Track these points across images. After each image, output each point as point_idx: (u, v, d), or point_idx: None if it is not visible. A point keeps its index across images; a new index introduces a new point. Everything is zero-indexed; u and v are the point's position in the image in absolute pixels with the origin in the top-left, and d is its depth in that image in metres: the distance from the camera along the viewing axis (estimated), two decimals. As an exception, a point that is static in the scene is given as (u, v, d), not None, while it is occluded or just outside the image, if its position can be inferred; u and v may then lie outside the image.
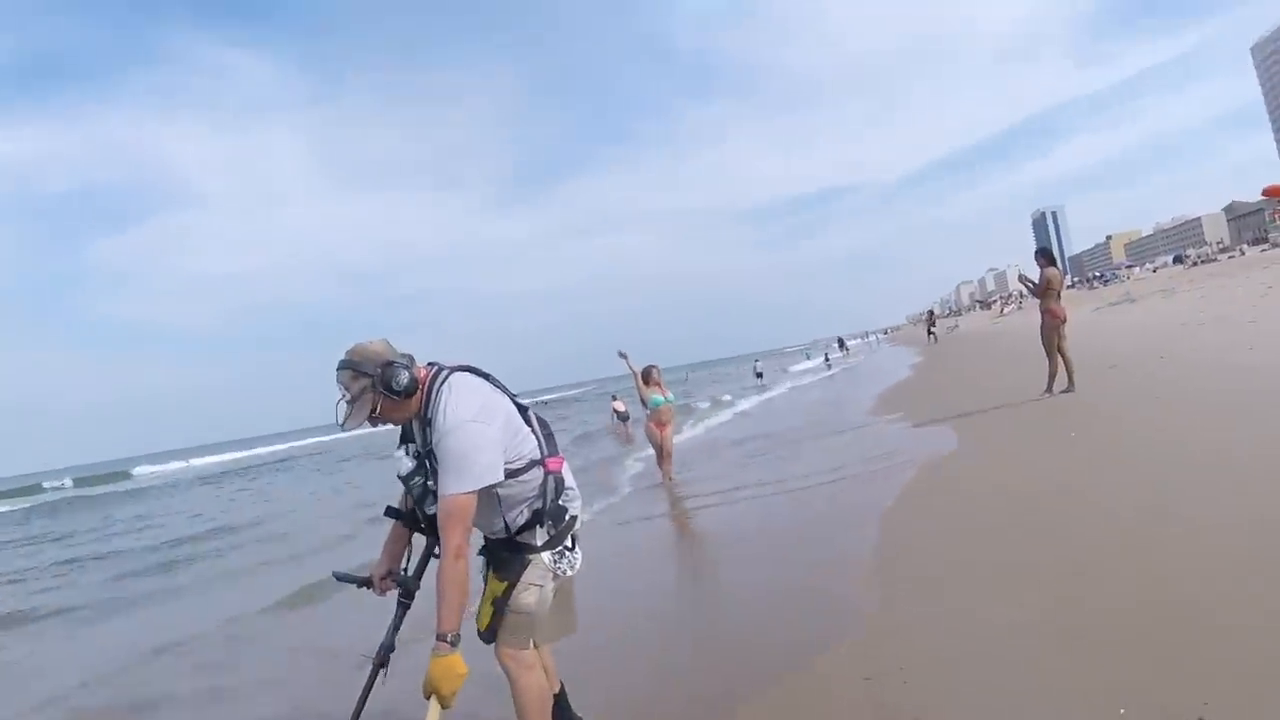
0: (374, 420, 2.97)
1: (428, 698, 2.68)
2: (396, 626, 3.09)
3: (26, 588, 12.23)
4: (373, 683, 3.05)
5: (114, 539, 17.73)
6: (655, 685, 4.03)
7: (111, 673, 6.32)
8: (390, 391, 2.90)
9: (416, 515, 3.16)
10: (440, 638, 2.67)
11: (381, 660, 3.05)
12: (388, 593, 3.19)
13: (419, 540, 3.22)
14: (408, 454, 3.04)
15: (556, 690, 3.36)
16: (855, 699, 3.42)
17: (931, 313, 56.09)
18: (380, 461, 24.64)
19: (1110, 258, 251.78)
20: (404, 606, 3.11)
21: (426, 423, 2.97)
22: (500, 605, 3.07)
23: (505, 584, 3.07)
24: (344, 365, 2.94)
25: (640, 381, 11.91)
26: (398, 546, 3.25)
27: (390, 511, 3.26)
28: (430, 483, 2.99)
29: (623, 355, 11.84)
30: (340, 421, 2.93)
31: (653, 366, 12.09)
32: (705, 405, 28.29)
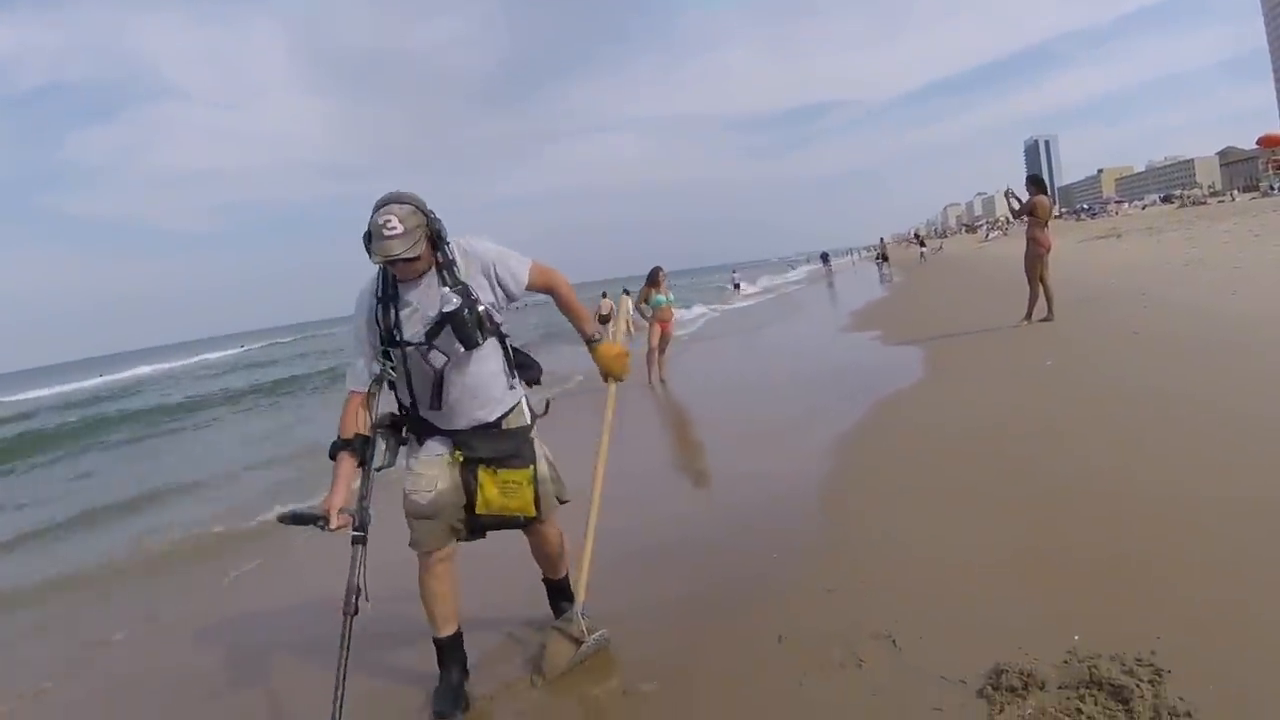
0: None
1: (606, 380, 3.50)
2: (358, 566, 2.95)
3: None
4: (349, 634, 2.89)
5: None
6: (625, 590, 4.06)
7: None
8: (436, 237, 3.02)
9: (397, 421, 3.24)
10: (590, 338, 3.41)
11: (353, 608, 2.91)
12: (340, 530, 2.97)
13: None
14: (453, 294, 3.03)
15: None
16: (817, 609, 3.50)
17: (918, 233, 55.95)
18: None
19: (1100, 191, 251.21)
20: (360, 541, 2.98)
21: (449, 266, 3.07)
22: (536, 485, 3.30)
23: (530, 469, 3.28)
24: (403, 200, 2.96)
25: (645, 287, 12.53)
26: (350, 479, 3.09)
27: (333, 445, 3.12)
28: (481, 309, 3.07)
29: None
30: (398, 252, 2.88)
31: (658, 268, 12.60)
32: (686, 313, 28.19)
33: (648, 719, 2.96)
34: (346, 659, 2.84)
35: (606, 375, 3.51)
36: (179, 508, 9.00)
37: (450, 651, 3.37)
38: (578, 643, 3.41)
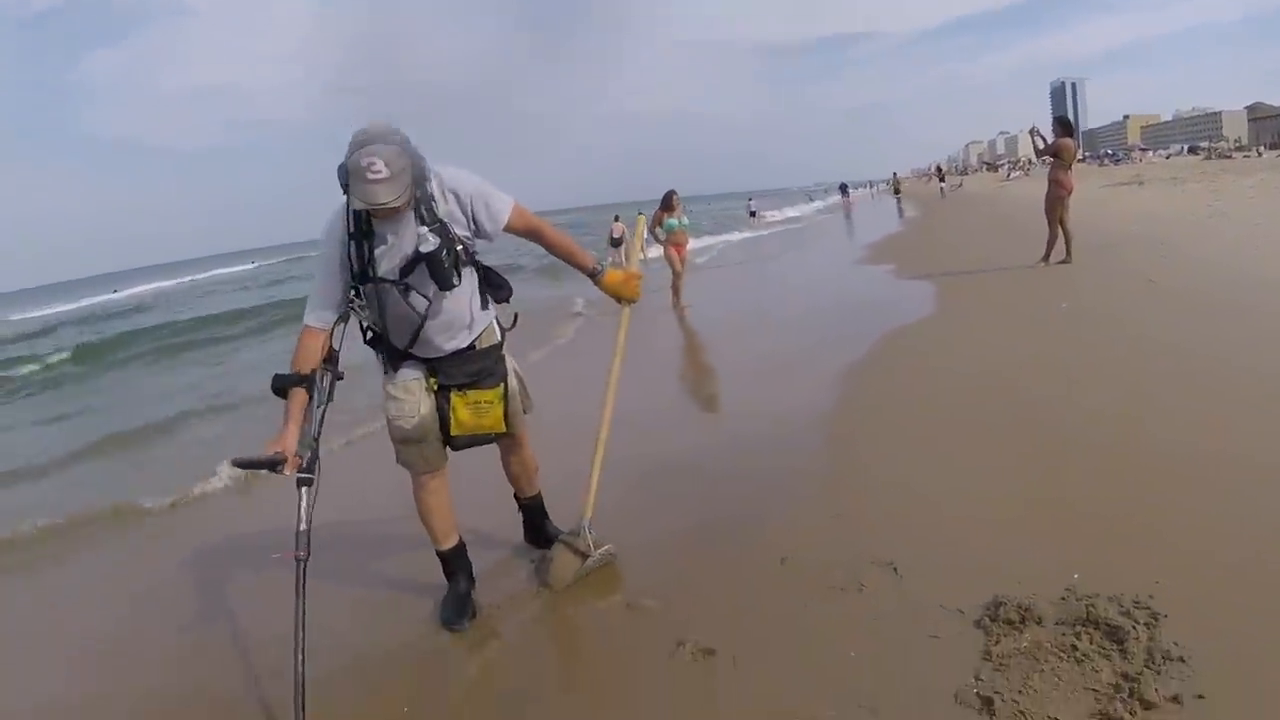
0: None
1: (619, 301, 3.46)
2: (307, 508, 2.84)
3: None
4: (304, 579, 2.78)
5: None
6: (631, 511, 4.11)
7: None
8: (418, 180, 2.87)
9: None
10: (591, 271, 3.37)
11: (304, 552, 2.81)
12: (289, 473, 2.86)
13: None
14: (430, 233, 2.91)
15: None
16: (821, 535, 3.58)
17: (939, 168, 55.30)
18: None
19: (1125, 138, 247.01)
20: (307, 483, 2.87)
21: (427, 202, 2.94)
22: (507, 401, 3.30)
23: (500, 386, 3.27)
24: (389, 139, 2.78)
25: (658, 211, 12.33)
26: (301, 417, 2.94)
27: (285, 380, 2.96)
28: (459, 248, 3.00)
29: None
30: (383, 200, 2.74)
31: (672, 192, 12.40)
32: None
33: (649, 633, 3.02)
34: (304, 604, 2.75)
35: (619, 300, 3.48)
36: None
37: (455, 562, 3.44)
38: (584, 556, 3.48)
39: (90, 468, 7.69)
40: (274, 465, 2.81)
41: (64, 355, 20.49)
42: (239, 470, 2.79)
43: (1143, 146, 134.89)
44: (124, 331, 24.35)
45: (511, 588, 3.57)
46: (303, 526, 2.81)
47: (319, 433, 2.96)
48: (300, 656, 2.68)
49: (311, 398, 2.96)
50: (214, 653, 3.46)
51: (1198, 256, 9.99)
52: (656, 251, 13.14)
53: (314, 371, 2.98)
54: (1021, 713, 2.24)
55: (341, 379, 3.12)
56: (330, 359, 3.08)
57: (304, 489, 2.86)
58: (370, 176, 2.71)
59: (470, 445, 3.33)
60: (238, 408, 9.51)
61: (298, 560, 2.78)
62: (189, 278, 68.76)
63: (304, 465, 2.86)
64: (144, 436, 8.70)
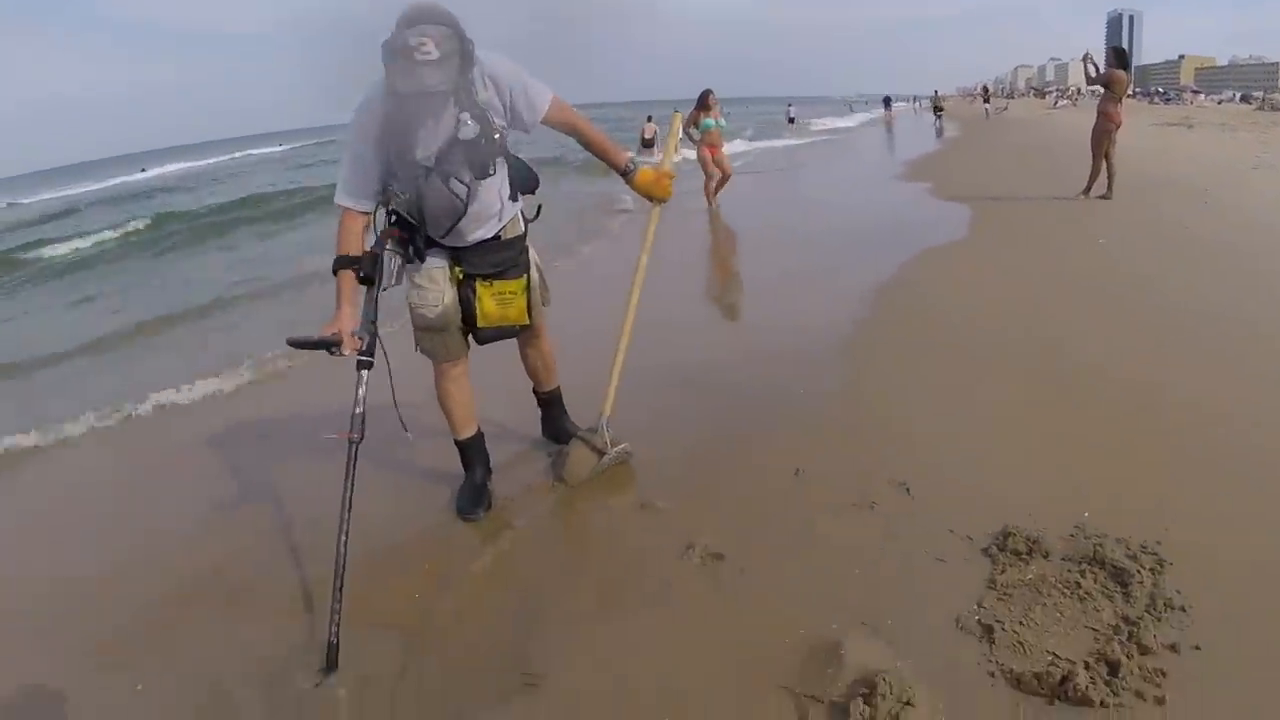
0: None
1: (650, 200, 3.42)
2: (364, 392, 2.85)
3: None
4: (355, 461, 2.79)
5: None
6: (649, 414, 4.13)
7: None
8: (465, 63, 2.77)
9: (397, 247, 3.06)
10: (624, 170, 3.33)
11: (358, 434, 2.81)
12: (349, 353, 2.84)
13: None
14: (471, 119, 2.87)
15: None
16: (836, 450, 3.62)
17: (986, 89, 53.86)
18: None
19: (1178, 79, 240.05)
20: (368, 365, 2.87)
21: (468, 88, 2.85)
22: (529, 292, 3.32)
23: (524, 278, 3.27)
24: (439, 19, 2.67)
25: (694, 111, 11.95)
26: (355, 298, 2.93)
27: (339, 263, 2.93)
28: (496, 137, 2.94)
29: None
30: (431, 83, 2.65)
31: (709, 91, 12.14)
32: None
33: (660, 534, 3.08)
34: (353, 486, 2.77)
35: (650, 199, 3.43)
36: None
37: (472, 452, 3.49)
38: (600, 453, 3.54)
39: (122, 355, 7.69)
40: (328, 346, 2.80)
41: (113, 235, 20.18)
42: (289, 351, 2.76)
43: (1195, 89, 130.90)
44: (161, 213, 23.61)
45: (527, 481, 3.64)
46: (359, 410, 2.82)
47: (376, 315, 2.95)
48: (344, 537, 2.72)
49: (368, 280, 2.94)
50: (237, 533, 3.57)
51: (1239, 208, 9.74)
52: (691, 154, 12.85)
53: (363, 253, 2.95)
54: (1021, 643, 2.29)
55: (412, 263, 3.14)
56: (399, 241, 3.06)
57: (363, 371, 2.86)
58: (420, 58, 2.61)
59: (495, 338, 3.34)
60: (276, 293, 9.54)
61: (351, 442, 2.79)
62: (214, 159, 67.88)
63: (364, 348, 2.86)
64: (181, 321, 8.74)
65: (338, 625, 2.61)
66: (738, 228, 11.12)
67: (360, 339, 2.85)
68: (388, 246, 3.01)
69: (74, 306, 11.53)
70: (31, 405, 6.13)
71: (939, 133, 30.39)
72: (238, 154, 74.00)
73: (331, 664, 2.58)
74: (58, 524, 4.08)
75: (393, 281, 3.04)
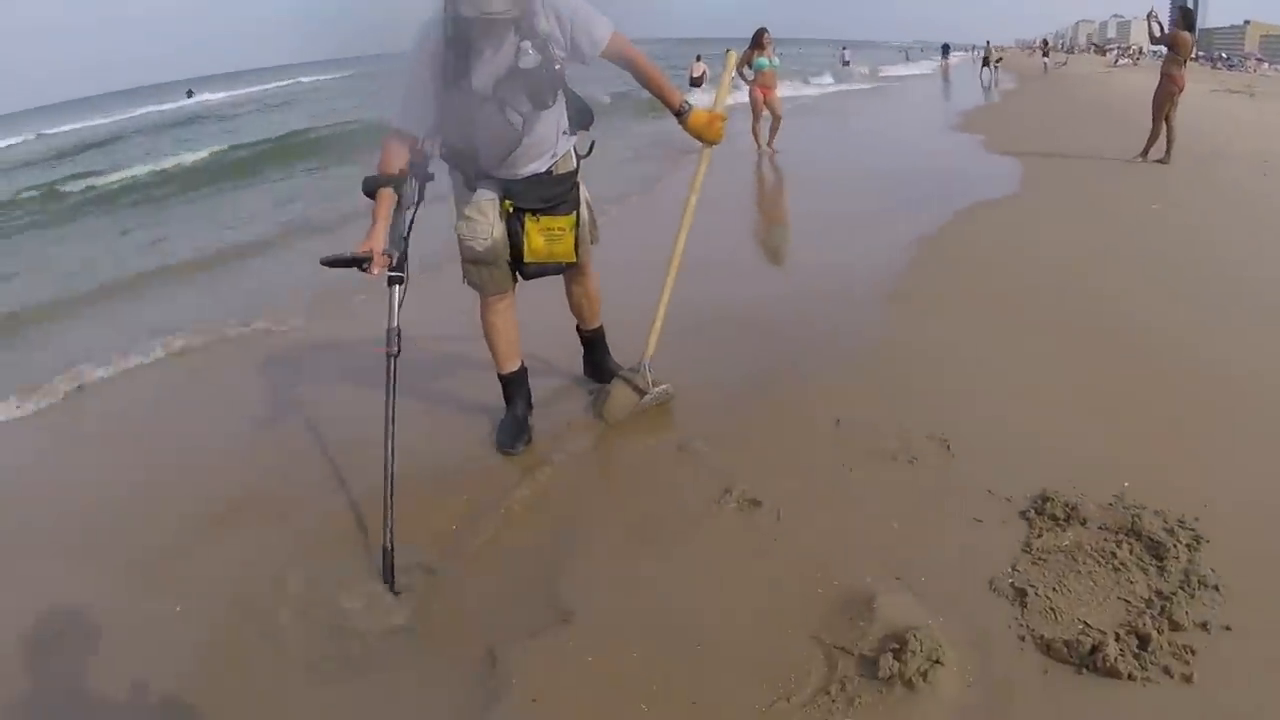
0: None
1: (700, 141, 3.34)
2: (398, 306, 2.90)
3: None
4: (394, 375, 2.86)
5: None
6: (690, 357, 4.12)
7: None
8: None
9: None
10: (679, 110, 3.27)
11: (395, 348, 2.88)
12: (378, 272, 2.85)
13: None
14: (532, 49, 2.85)
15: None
16: (877, 401, 3.61)
17: (1046, 42, 52.31)
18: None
19: (1243, 45, 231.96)
20: (398, 281, 2.90)
21: (530, 15, 2.84)
22: (578, 230, 3.30)
23: (573, 215, 3.26)
24: None
25: (748, 50, 11.61)
26: (389, 218, 2.95)
27: (375, 182, 2.94)
28: (556, 67, 2.93)
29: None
30: (498, 9, 2.67)
31: (763, 30, 11.81)
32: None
33: (698, 476, 3.11)
34: (394, 400, 2.84)
35: (701, 140, 3.37)
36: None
37: (515, 386, 3.53)
38: (641, 393, 3.57)
39: (169, 291, 7.63)
40: (360, 263, 2.81)
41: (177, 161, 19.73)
42: (326, 270, 2.81)
43: (1259, 56, 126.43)
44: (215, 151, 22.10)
45: (570, 414, 3.69)
46: (393, 324, 2.87)
47: (408, 233, 3.00)
48: (390, 450, 2.80)
49: (400, 200, 2.97)
50: (275, 454, 3.69)
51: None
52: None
53: (401, 172, 2.98)
54: (1052, 609, 2.30)
55: (432, 179, 3.14)
56: (420, 162, 3.07)
57: (395, 287, 2.90)
58: None
59: (540, 274, 3.35)
60: (332, 229, 9.32)
61: (389, 356, 2.86)
62: (264, 86, 66.86)
63: (393, 264, 2.89)
64: (232, 256, 8.72)
65: (391, 532, 2.70)
66: (788, 169, 10.99)
67: (389, 255, 2.88)
68: (412, 168, 3.04)
69: (123, 236, 11.48)
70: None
71: (987, 89, 27.49)
72: (286, 81, 73.19)
73: (388, 572, 2.69)
74: (106, 446, 4.24)
75: (417, 201, 3.07)
